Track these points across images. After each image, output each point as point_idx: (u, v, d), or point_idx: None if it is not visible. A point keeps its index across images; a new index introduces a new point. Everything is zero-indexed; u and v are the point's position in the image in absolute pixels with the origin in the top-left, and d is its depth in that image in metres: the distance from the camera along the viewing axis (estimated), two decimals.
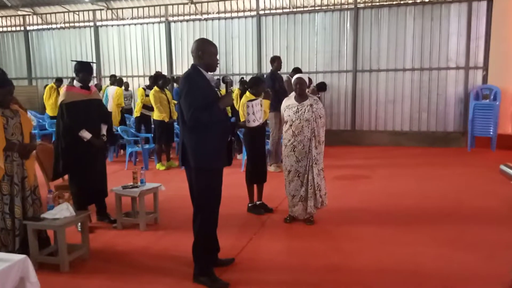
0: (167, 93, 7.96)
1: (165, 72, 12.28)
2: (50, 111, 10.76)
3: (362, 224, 4.71)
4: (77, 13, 13.09)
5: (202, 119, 3.10)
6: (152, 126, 8.55)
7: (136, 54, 12.66)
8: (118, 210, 4.68)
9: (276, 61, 7.33)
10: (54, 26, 13.48)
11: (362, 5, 10.55)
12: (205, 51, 3.23)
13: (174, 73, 12.31)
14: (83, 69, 4.56)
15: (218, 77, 10.14)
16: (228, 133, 3.34)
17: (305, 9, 11.08)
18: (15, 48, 13.84)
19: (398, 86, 10.44)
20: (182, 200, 5.78)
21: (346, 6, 10.75)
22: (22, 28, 13.67)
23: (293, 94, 4.65)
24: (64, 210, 3.72)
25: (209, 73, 3.26)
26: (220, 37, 11.66)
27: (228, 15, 11.88)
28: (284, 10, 11.27)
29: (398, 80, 10.41)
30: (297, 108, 4.53)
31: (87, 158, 4.53)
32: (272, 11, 11.39)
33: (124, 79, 10.90)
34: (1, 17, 14.09)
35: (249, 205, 5.18)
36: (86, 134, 4.47)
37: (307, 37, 10.93)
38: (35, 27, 13.63)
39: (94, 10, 12.87)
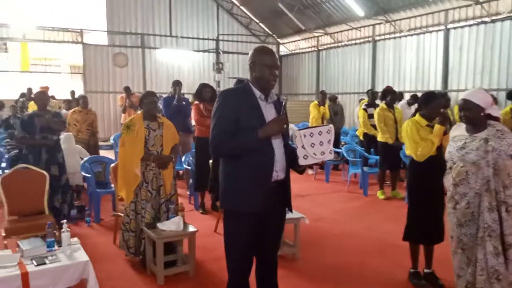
0: (396, 111, 6.85)
1: (438, 87, 10.70)
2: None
3: None
4: (359, 29, 13.24)
5: (221, 148, 2.42)
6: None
7: (410, 67, 11.69)
8: None
9: None
10: (339, 44, 14.19)
11: None
12: (256, 62, 2.49)
13: (449, 87, 10.52)
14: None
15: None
16: (270, 169, 2.43)
17: None
18: (309, 66, 15.46)
19: None
20: (349, 238, 4.85)
21: None
22: (315, 49, 15.11)
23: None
24: (173, 223, 3.76)
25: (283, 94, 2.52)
26: (511, 42, 9.11)
27: None
28: None
29: None
30: (465, 142, 2.86)
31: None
32: None
33: None
34: (301, 40, 16.03)
35: (411, 270, 3.71)
36: None
37: None
38: (325, 46, 14.75)
39: (373, 25, 12.69)
